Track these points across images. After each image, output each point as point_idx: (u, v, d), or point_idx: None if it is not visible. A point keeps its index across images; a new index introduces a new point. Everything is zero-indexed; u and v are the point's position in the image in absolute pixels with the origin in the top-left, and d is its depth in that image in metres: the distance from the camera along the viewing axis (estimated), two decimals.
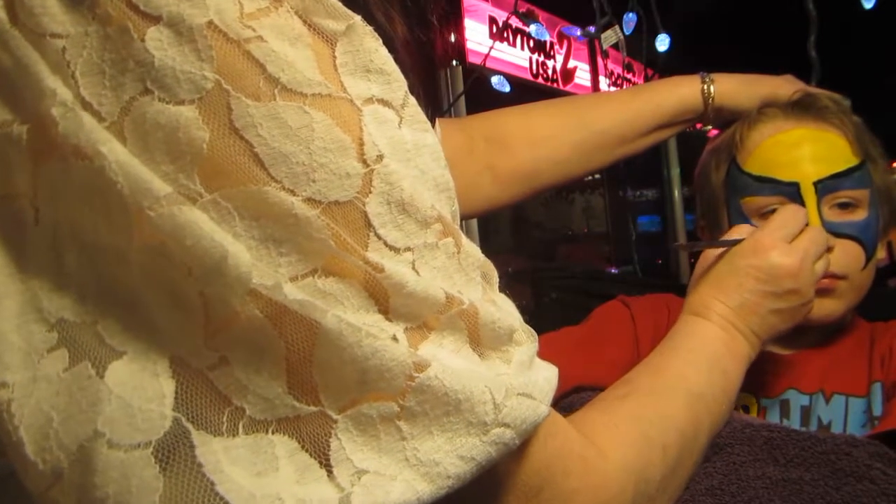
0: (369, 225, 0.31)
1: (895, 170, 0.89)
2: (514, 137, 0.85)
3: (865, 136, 0.81)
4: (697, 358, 0.60)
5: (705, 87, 0.87)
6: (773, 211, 0.78)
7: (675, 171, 3.86)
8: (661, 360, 0.60)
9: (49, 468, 0.27)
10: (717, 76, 0.89)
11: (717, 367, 0.61)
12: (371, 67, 0.33)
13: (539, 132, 0.86)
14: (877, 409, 0.78)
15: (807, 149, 0.79)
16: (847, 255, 0.77)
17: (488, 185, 0.82)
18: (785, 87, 0.86)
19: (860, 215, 0.79)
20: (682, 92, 0.88)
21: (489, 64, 2.44)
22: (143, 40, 0.28)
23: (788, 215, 0.70)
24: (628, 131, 0.88)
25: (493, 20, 2.90)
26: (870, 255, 0.79)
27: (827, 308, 0.77)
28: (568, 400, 0.66)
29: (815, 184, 0.77)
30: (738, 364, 0.63)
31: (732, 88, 0.87)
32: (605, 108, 0.88)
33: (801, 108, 0.82)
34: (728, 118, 0.88)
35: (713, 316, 0.65)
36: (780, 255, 0.67)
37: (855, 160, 0.79)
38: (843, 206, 0.79)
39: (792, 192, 0.78)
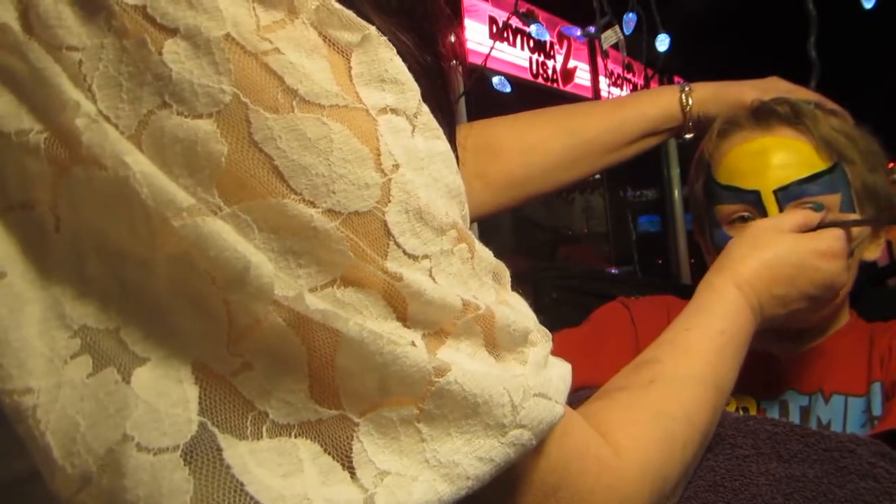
0: (389, 234, 0.31)
1: (893, 170, 0.88)
2: (504, 145, 0.86)
3: (841, 138, 0.80)
4: (730, 347, 0.59)
5: (683, 96, 0.89)
6: (741, 218, 0.80)
7: (675, 171, 3.87)
8: (694, 339, 0.58)
9: (78, 472, 0.28)
10: (696, 85, 0.91)
11: (739, 358, 0.60)
12: (385, 77, 0.33)
13: (529, 140, 0.88)
14: (876, 409, 0.78)
15: (769, 157, 0.79)
16: None
17: (479, 193, 0.84)
18: (750, 92, 0.87)
19: None
20: (665, 101, 0.90)
21: (489, 64, 2.45)
22: (160, 53, 0.28)
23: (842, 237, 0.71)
24: (615, 139, 0.90)
25: (493, 20, 2.91)
26: None
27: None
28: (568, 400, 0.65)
29: (776, 191, 0.77)
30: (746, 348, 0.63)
31: (706, 97, 0.89)
32: (593, 117, 0.90)
33: (759, 117, 0.82)
34: (707, 126, 0.90)
35: (754, 300, 0.64)
36: (841, 268, 0.68)
37: (822, 165, 0.78)
38: None
39: (754, 200, 0.79)
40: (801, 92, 0.89)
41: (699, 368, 0.55)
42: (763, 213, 0.78)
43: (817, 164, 0.78)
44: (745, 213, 0.80)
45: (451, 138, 0.39)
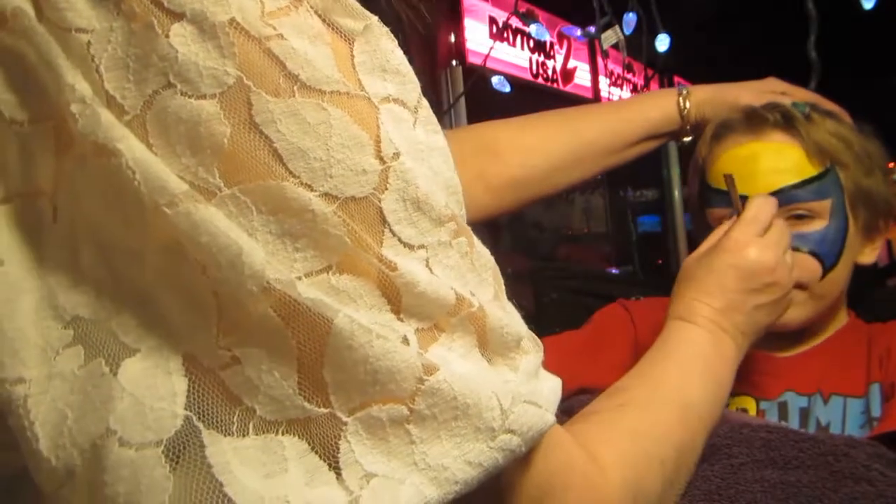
0: (384, 221, 0.31)
1: (893, 170, 0.88)
2: (505, 147, 0.86)
3: (834, 142, 0.80)
4: (690, 367, 0.60)
5: (681, 100, 0.89)
6: None
7: (675, 171, 3.86)
8: (655, 369, 0.59)
9: (62, 466, 0.27)
10: (694, 88, 0.90)
11: (709, 374, 0.61)
12: (387, 67, 0.33)
13: (530, 141, 0.87)
14: (875, 410, 0.78)
15: (759, 162, 0.79)
16: (799, 267, 0.75)
17: (480, 195, 0.83)
18: (746, 95, 0.86)
19: (816, 226, 0.78)
20: (664, 104, 0.90)
21: (489, 64, 2.45)
22: (167, 36, 0.29)
23: (759, 208, 0.70)
24: (616, 141, 0.89)
25: (493, 20, 2.91)
26: (829, 264, 0.78)
27: (788, 315, 0.76)
28: (568, 402, 0.65)
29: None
30: (727, 367, 0.63)
31: (703, 100, 0.89)
32: (594, 119, 0.90)
33: (751, 122, 0.82)
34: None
35: (699, 319, 0.64)
36: (756, 252, 0.67)
37: (813, 171, 0.78)
38: (798, 218, 0.78)
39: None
40: (799, 92, 0.89)
41: (664, 393, 0.55)
42: None
43: (808, 170, 0.78)
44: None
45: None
